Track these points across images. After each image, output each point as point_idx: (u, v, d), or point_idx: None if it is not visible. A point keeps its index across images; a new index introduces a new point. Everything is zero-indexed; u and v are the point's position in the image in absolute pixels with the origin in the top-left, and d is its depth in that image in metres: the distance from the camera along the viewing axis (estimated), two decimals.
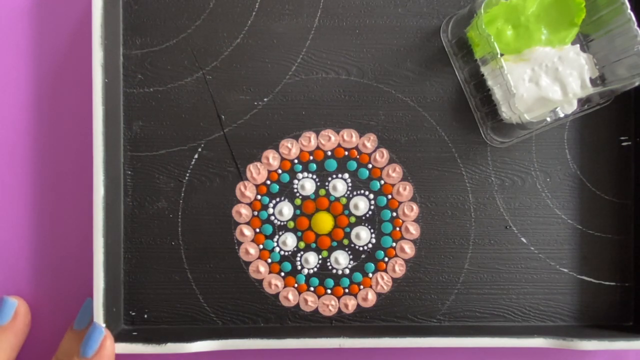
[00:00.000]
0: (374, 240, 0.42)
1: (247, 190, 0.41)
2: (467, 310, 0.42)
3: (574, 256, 0.42)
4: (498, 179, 0.42)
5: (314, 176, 0.42)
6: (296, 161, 0.42)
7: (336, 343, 0.38)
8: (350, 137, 0.42)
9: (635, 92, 0.42)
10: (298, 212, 0.41)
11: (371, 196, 0.42)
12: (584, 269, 0.42)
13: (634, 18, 0.36)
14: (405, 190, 0.42)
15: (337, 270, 0.42)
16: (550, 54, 0.38)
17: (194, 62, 0.41)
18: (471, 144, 0.42)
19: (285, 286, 0.41)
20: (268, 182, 0.41)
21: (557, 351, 0.41)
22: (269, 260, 0.41)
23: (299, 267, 0.41)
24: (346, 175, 0.42)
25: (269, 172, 0.42)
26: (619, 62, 0.38)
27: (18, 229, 0.41)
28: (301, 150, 0.42)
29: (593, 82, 0.38)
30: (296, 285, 0.41)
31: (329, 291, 0.41)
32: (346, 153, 0.42)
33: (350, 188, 0.42)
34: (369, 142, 0.42)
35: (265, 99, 0.41)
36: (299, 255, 0.41)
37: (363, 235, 0.41)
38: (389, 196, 0.42)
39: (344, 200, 0.42)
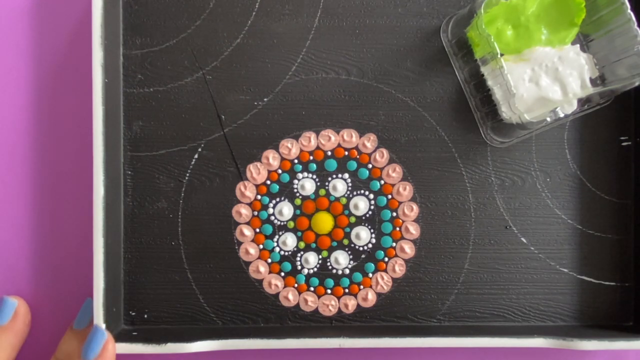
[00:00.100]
0: (374, 240, 0.42)
1: (247, 190, 0.41)
2: (467, 310, 0.42)
3: (574, 256, 0.42)
4: (498, 179, 0.42)
5: (314, 176, 0.42)
6: (296, 161, 0.42)
7: (336, 343, 0.38)
8: (350, 137, 0.42)
9: (635, 92, 0.42)
10: (298, 212, 0.41)
11: (371, 196, 0.42)
12: (584, 269, 0.42)
13: (634, 18, 0.36)
14: (405, 190, 0.42)
15: (337, 270, 0.42)
16: (550, 54, 0.38)
17: (194, 62, 0.41)
18: (471, 144, 0.42)
19: (285, 286, 0.41)
20: (268, 182, 0.41)
21: (557, 351, 0.41)
22: (269, 260, 0.41)
23: (299, 267, 0.41)
24: (346, 175, 0.42)
25: (269, 172, 0.42)
26: (619, 62, 0.38)
27: (18, 229, 0.41)
28: (301, 150, 0.42)
29: (593, 82, 0.38)
30: (296, 285, 0.41)
31: (329, 291, 0.41)
32: (346, 153, 0.42)
33: (350, 188, 0.42)
34: (369, 142, 0.42)
35: (265, 99, 0.41)
36: (299, 255, 0.41)
37: (363, 235, 0.41)
38: (389, 196, 0.42)
39: (344, 200, 0.42)
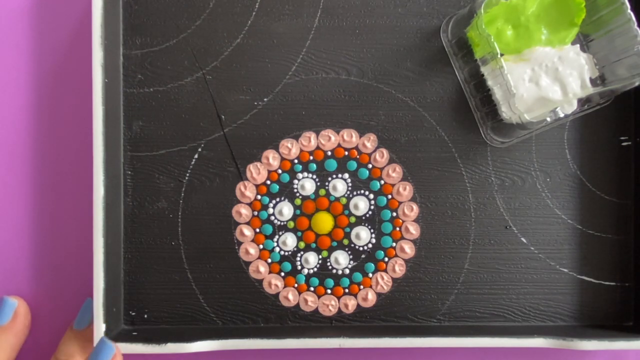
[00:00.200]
0: (374, 240, 0.42)
1: (247, 190, 0.41)
2: (467, 310, 0.42)
3: (574, 256, 0.42)
4: (498, 179, 0.42)
5: (314, 176, 0.42)
6: (296, 161, 0.42)
7: (336, 343, 0.38)
8: (350, 137, 0.42)
9: (635, 92, 0.42)
10: (298, 212, 0.41)
11: (371, 196, 0.42)
12: (584, 269, 0.42)
13: (634, 18, 0.36)
14: (405, 190, 0.42)
15: (337, 270, 0.42)
16: (550, 54, 0.38)
17: (194, 62, 0.41)
18: (471, 144, 0.42)
19: (285, 286, 0.41)
20: (268, 182, 0.41)
21: (557, 351, 0.41)
22: (269, 260, 0.41)
23: (299, 267, 0.41)
24: (346, 175, 0.42)
25: (269, 172, 0.42)
26: (619, 62, 0.38)
27: (18, 229, 0.41)
28: (301, 150, 0.42)
29: (593, 82, 0.38)
30: (296, 285, 0.41)
31: (329, 291, 0.41)
32: (346, 153, 0.42)
33: (350, 188, 0.42)
34: (369, 142, 0.42)
35: (265, 99, 0.41)
36: (299, 255, 0.41)
37: (363, 235, 0.41)
38: (389, 196, 0.42)
39: (344, 200, 0.42)
